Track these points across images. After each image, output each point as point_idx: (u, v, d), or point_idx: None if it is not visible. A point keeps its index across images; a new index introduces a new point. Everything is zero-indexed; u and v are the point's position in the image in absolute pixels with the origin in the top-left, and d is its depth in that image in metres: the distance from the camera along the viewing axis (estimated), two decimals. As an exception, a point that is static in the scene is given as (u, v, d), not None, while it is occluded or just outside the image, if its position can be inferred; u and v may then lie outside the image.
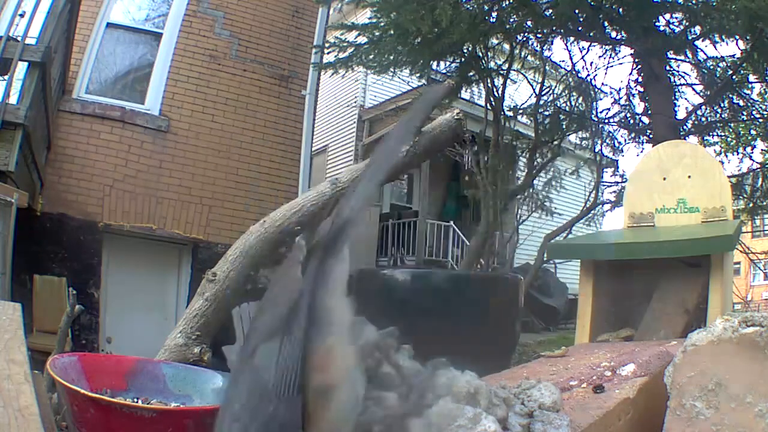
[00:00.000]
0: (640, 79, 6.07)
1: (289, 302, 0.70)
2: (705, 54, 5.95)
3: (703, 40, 5.55)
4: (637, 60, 5.89)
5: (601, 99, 7.18)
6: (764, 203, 6.42)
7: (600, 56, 6.66)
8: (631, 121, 6.70)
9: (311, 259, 0.74)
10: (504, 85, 6.58)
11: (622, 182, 7.05)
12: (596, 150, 7.12)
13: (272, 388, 0.65)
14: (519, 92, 7.36)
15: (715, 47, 5.66)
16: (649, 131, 6.12)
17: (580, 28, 5.65)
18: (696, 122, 6.16)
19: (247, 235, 1.68)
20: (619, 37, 5.79)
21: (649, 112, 5.88)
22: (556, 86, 7.18)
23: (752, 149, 6.89)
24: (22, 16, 4.15)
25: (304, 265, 0.75)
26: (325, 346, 0.67)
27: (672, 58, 5.91)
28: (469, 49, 5.90)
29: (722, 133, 6.79)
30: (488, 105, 6.70)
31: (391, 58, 5.54)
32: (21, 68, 4.00)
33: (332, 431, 0.67)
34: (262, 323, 0.75)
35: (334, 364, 0.68)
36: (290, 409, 0.63)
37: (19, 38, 3.96)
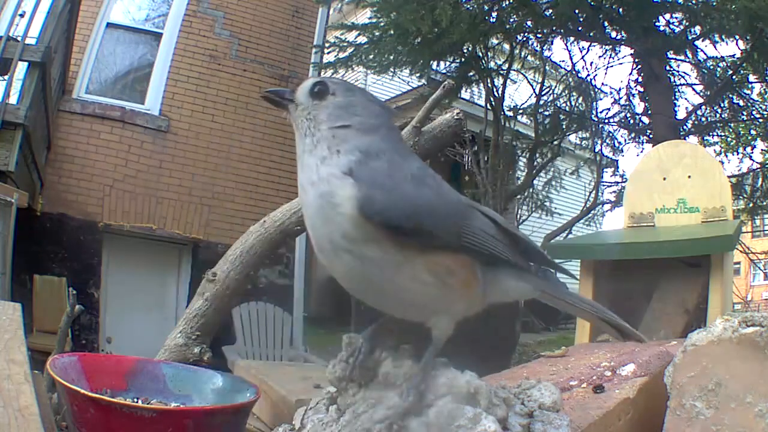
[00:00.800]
0: (640, 79, 6.08)
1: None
2: (705, 54, 5.96)
3: (703, 40, 5.56)
4: (637, 60, 5.89)
5: (601, 99, 7.19)
6: (764, 203, 6.42)
7: (600, 56, 6.67)
8: (631, 121, 6.71)
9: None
10: (504, 85, 6.58)
11: (622, 182, 7.05)
12: (596, 150, 7.12)
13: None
14: (519, 92, 7.36)
15: (715, 47, 5.67)
16: (649, 131, 6.12)
17: (580, 28, 5.66)
18: (696, 122, 6.16)
19: (247, 235, 1.68)
20: (619, 37, 5.80)
21: (649, 112, 5.89)
22: (556, 86, 7.18)
23: (752, 149, 6.90)
24: (22, 16, 4.15)
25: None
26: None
27: (672, 58, 5.91)
28: (469, 49, 5.90)
29: (722, 133, 6.79)
30: (488, 105, 6.70)
31: (391, 58, 5.54)
32: (21, 68, 4.01)
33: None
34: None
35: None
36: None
37: (19, 38, 3.96)
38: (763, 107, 6.35)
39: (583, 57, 6.69)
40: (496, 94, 6.56)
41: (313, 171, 0.76)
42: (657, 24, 5.40)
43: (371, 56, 5.62)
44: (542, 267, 0.89)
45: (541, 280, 0.84)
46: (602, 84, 7.56)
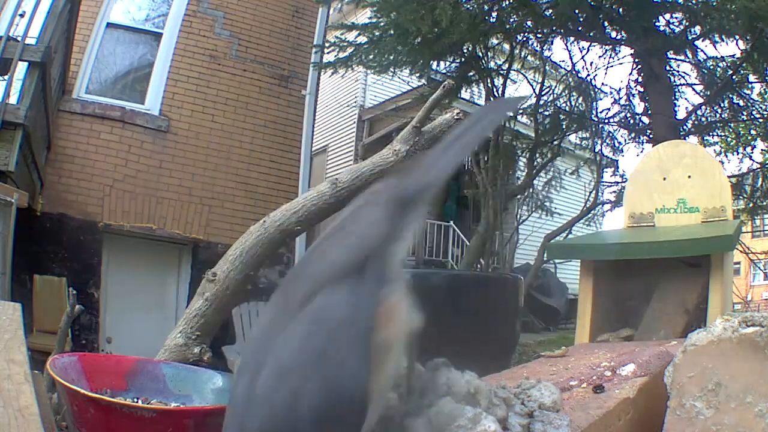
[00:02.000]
0: (640, 79, 6.08)
1: (363, 248, 0.64)
2: (705, 54, 5.96)
3: (703, 40, 5.56)
4: (637, 60, 5.89)
5: (601, 99, 7.19)
6: (764, 203, 6.42)
7: (600, 56, 6.67)
8: (631, 121, 6.71)
9: (386, 208, 0.68)
10: (504, 85, 6.58)
11: (622, 182, 7.05)
12: (596, 150, 7.13)
13: (342, 338, 0.58)
14: (519, 92, 7.36)
15: (715, 47, 5.67)
16: (649, 131, 6.12)
17: (580, 28, 5.66)
18: (696, 122, 6.16)
19: (247, 235, 1.68)
20: (619, 37, 5.80)
21: (649, 112, 5.89)
22: (556, 86, 7.18)
23: (752, 149, 6.90)
24: (22, 16, 4.15)
25: (380, 211, 0.68)
26: (392, 300, 0.63)
27: (672, 58, 5.91)
28: (469, 49, 5.91)
29: (722, 133, 6.79)
30: (488, 105, 6.70)
31: (391, 58, 5.54)
32: (21, 68, 4.01)
33: (381, 390, 0.63)
34: (319, 268, 0.65)
35: (398, 320, 0.64)
36: (358, 362, 0.57)
37: (19, 38, 3.96)
38: (763, 107, 6.35)
39: (583, 57, 6.70)
40: (496, 94, 6.55)
41: None
42: (657, 24, 5.40)
43: (371, 56, 5.62)
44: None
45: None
46: (602, 84, 7.59)
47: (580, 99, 6.90)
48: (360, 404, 0.58)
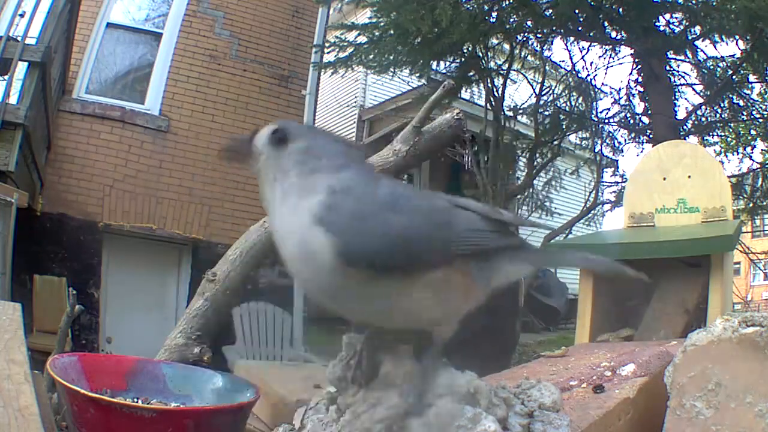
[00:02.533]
0: (640, 79, 6.08)
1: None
2: (705, 54, 5.96)
3: (703, 40, 5.56)
4: (637, 60, 5.89)
5: (601, 99, 7.19)
6: (764, 203, 6.42)
7: (600, 56, 6.66)
8: (631, 121, 6.71)
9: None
10: (504, 85, 6.58)
11: (622, 182, 7.05)
12: (596, 150, 7.12)
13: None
14: (519, 92, 7.35)
15: (715, 47, 5.67)
16: (649, 131, 6.12)
17: (580, 28, 5.66)
18: (696, 122, 6.17)
19: (247, 235, 1.68)
20: (619, 37, 5.80)
21: (649, 112, 5.89)
22: (556, 86, 7.18)
23: (752, 149, 6.89)
24: (22, 16, 4.15)
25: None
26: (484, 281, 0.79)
27: (672, 58, 5.91)
28: (469, 49, 5.90)
29: (722, 133, 6.79)
30: (488, 105, 6.70)
31: (391, 58, 5.54)
32: (21, 68, 4.00)
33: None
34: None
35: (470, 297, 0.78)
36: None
37: (19, 38, 3.96)
38: (763, 107, 6.35)
39: (583, 57, 6.70)
40: (496, 94, 6.56)
41: (288, 221, 0.73)
42: (657, 24, 5.40)
43: (371, 56, 5.62)
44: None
45: (535, 254, 0.83)
46: (602, 84, 7.56)
47: (580, 99, 6.90)
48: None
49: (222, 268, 1.64)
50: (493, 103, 6.58)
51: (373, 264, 0.69)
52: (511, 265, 0.81)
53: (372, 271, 0.69)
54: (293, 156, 0.75)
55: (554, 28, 5.71)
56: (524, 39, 6.27)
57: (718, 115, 6.27)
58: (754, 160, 6.84)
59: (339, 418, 0.84)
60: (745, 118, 6.34)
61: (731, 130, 6.70)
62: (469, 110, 7.36)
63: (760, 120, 6.35)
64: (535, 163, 6.97)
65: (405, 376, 0.81)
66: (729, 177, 4.53)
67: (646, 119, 6.30)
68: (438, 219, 0.76)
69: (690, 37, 5.51)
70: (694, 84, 6.21)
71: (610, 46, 6.15)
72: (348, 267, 0.68)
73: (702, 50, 5.91)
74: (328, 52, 6.07)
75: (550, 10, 5.19)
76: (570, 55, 6.62)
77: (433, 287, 0.73)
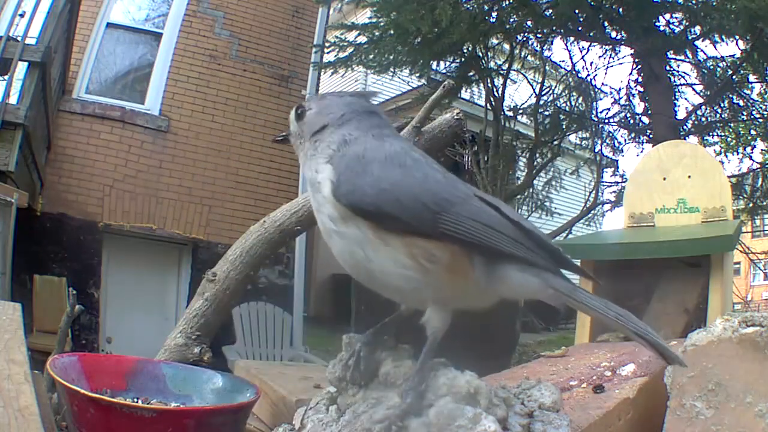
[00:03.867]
0: (640, 79, 6.08)
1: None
2: (705, 54, 5.96)
3: (703, 40, 5.56)
4: (637, 60, 5.89)
5: (601, 99, 7.18)
6: (764, 203, 6.41)
7: (600, 56, 6.66)
8: (631, 121, 6.71)
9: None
10: (504, 85, 6.58)
11: (622, 182, 7.05)
12: (596, 150, 7.12)
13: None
14: (519, 92, 7.36)
15: (715, 47, 5.67)
16: (649, 131, 6.12)
17: (580, 28, 5.66)
18: (696, 122, 6.16)
19: (247, 235, 1.68)
20: (619, 37, 5.80)
21: (649, 112, 5.89)
22: (556, 86, 7.18)
23: (752, 149, 6.89)
24: (22, 16, 4.15)
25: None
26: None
27: (672, 58, 5.91)
28: (469, 49, 5.90)
29: (722, 133, 6.79)
30: (488, 105, 6.70)
31: (391, 58, 5.54)
32: (21, 68, 4.01)
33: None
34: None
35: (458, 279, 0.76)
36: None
37: (19, 38, 3.96)
38: (763, 107, 6.34)
39: (583, 57, 6.70)
40: (496, 94, 6.55)
41: (310, 174, 0.84)
42: (657, 24, 5.40)
43: (371, 56, 5.62)
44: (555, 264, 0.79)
45: (553, 277, 0.79)
46: (602, 84, 7.57)
47: (580, 99, 6.90)
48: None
49: (222, 268, 1.64)
50: (493, 103, 6.58)
51: (354, 207, 0.75)
52: (520, 277, 0.78)
53: (359, 215, 0.75)
54: (309, 121, 0.87)
55: (554, 28, 5.71)
56: (524, 39, 6.27)
57: (718, 115, 6.27)
58: (754, 160, 6.84)
59: (339, 418, 0.84)
60: (745, 118, 6.34)
61: (731, 130, 6.70)
62: (469, 110, 7.36)
63: (760, 120, 6.35)
64: (535, 163, 6.97)
65: (405, 376, 0.81)
66: (729, 177, 4.53)
67: (646, 119, 6.30)
68: (434, 192, 0.77)
69: (690, 37, 5.51)
70: (694, 84, 6.21)
71: (610, 46, 6.15)
72: (338, 203, 0.76)
73: (702, 50, 5.92)
74: (328, 52, 6.07)
75: (550, 10, 5.19)
76: (570, 55, 6.63)
77: (415, 255, 0.74)
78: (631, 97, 6.62)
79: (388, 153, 0.79)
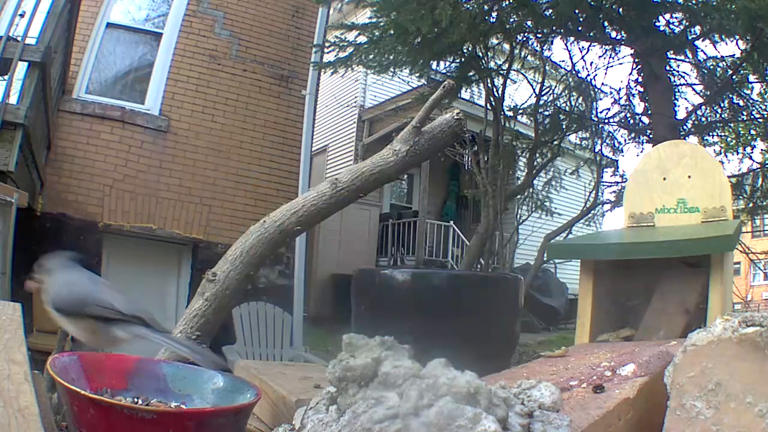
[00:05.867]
0: (640, 79, 6.07)
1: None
2: (705, 54, 5.95)
3: (703, 40, 5.55)
4: (637, 60, 5.89)
5: (601, 99, 7.18)
6: (764, 203, 6.41)
7: (600, 56, 6.67)
8: (631, 121, 6.70)
9: None
10: (504, 85, 6.58)
11: (622, 182, 7.05)
12: (596, 150, 7.12)
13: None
14: (519, 92, 7.36)
15: (715, 47, 5.67)
16: (649, 131, 6.12)
17: (580, 28, 5.65)
18: (696, 122, 6.16)
19: (247, 235, 1.68)
20: (619, 37, 5.79)
21: (649, 112, 5.88)
22: (556, 86, 7.18)
23: (752, 149, 6.88)
24: (22, 16, 4.15)
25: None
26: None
27: (672, 58, 5.91)
28: (469, 49, 5.90)
29: (722, 133, 6.78)
30: (488, 105, 6.70)
31: (391, 57, 5.53)
32: (21, 68, 4.00)
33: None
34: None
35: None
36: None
37: (19, 38, 3.95)
38: (763, 107, 6.34)
39: (583, 57, 6.70)
40: (496, 94, 6.55)
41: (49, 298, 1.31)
42: (657, 24, 5.39)
43: (371, 56, 5.61)
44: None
45: (135, 327, 1.27)
46: (602, 84, 7.58)
47: (580, 99, 6.90)
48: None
49: (222, 268, 1.64)
50: (493, 103, 6.58)
51: (60, 310, 1.26)
52: (118, 330, 1.27)
53: (63, 313, 1.26)
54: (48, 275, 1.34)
55: (554, 28, 5.70)
56: (524, 39, 6.27)
57: (718, 115, 6.27)
58: (754, 160, 6.83)
59: (339, 418, 0.84)
60: (745, 118, 6.33)
61: (731, 130, 6.69)
62: (469, 110, 7.38)
63: (760, 120, 6.35)
64: (535, 163, 6.97)
65: (405, 376, 0.81)
66: (729, 177, 4.53)
67: (646, 119, 6.29)
68: (81, 296, 1.29)
69: (690, 37, 5.51)
70: (694, 84, 6.20)
71: (610, 46, 6.15)
72: (53, 310, 1.26)
73: (702, 50, 5.91)
74: (328, 52, 6.07)
75: (550, 10, 5.19)
76: (570, 55, 6.63)
77: (82, 327, 1.26)
78: (631, 97, 6.62)
79: (68, 280, 1.32)
